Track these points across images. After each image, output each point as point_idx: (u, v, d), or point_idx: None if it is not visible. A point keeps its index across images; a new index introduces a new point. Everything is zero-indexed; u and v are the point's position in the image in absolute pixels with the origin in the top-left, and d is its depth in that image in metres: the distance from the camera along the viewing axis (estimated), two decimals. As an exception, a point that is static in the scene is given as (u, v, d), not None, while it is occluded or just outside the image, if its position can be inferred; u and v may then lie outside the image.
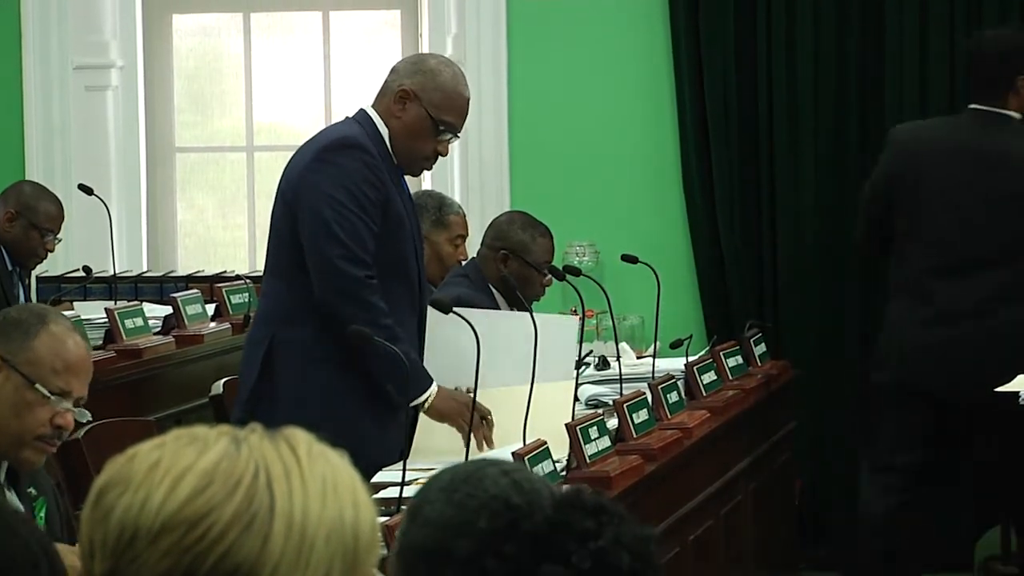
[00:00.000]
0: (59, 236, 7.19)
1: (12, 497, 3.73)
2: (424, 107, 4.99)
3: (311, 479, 1.73)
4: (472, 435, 4.83)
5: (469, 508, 2.08)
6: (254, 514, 1.70)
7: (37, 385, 3.68)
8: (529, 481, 2.11)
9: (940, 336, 6.40)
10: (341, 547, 1.73)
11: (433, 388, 4.93)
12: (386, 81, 5.10)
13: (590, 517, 2.01)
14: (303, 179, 5.01)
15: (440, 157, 5.11)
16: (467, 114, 5.11)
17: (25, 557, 2.14)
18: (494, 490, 2.08)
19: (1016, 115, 6.45)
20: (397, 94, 5.03)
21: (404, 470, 4.34)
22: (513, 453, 4.42)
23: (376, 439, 4.75)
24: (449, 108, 5.01)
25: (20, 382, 3.68)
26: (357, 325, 4.77)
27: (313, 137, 5.16)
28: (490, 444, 4.89)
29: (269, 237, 5.18)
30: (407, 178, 5.22)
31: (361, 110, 5.11)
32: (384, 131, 5.04)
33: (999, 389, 5.65)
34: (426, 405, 4.92)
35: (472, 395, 4.82)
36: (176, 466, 1.73)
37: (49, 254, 7.23)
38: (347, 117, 5.16)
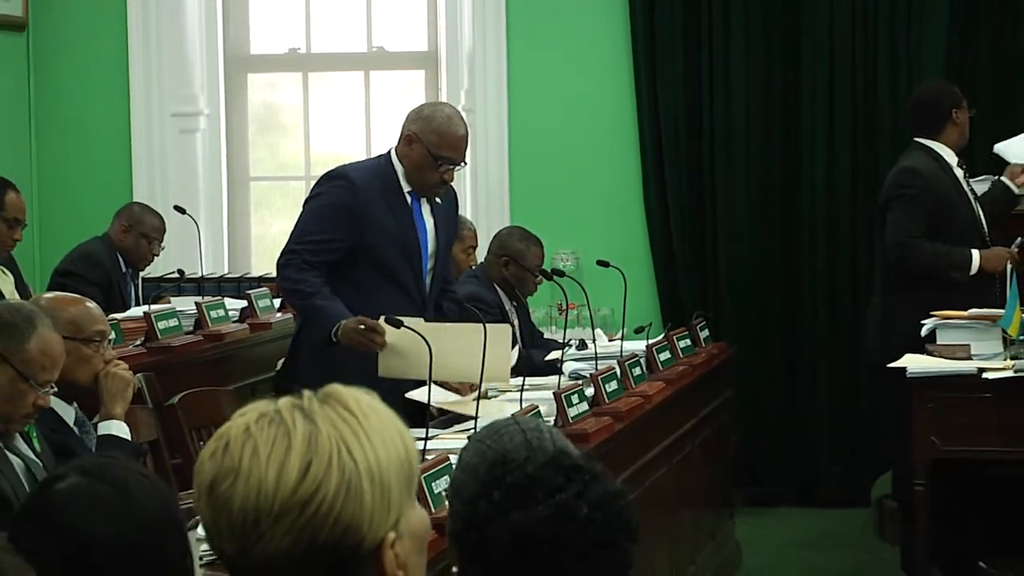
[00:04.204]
0: (163, 244, 7.20)
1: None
2: (425, 146, 4.96)
3: (373, 433, 1.66)
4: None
5: (485, 458, 2.06)
6: (349, 481, 1.62)
7: (30, 381, 3.60)
8: (539, 440, 2.09)
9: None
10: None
11: (339, 324, 4.85)
12: (401, 127, 5.10)
13: (563, 474, 1.98)
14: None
15: (448, 183, 5.07)
16: (464, 146, 5.03)
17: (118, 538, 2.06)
18: (509, 446, 2.07)
19: (928, 143, 6.29)
20: (405, 137, 5.02)
21: (427, 426, 4.31)
22: (513, 414, 4.41)
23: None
24: (444, 145, 4.97)
25: (14, 375, 3.58)
26: (283, 293, 5.21)
27: None
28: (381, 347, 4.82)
29: None
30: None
31: (389, 150, 5.12)
32: (399, 167, 5.05)
33: (891, 365, 5.64)
34: (336, 337, 4.87)
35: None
36: (275, 451, 1.62)
37: (155, 258, 7.23)
38: (379, 154, 5.20)
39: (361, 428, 1.65)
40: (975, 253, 6.09)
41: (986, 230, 6.28)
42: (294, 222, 5.15)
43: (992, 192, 6.46)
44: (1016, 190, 6.46)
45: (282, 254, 5.03)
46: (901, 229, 6.09)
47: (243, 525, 1.61)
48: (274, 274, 7.68)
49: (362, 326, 4.79)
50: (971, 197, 6.30)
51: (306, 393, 1.69)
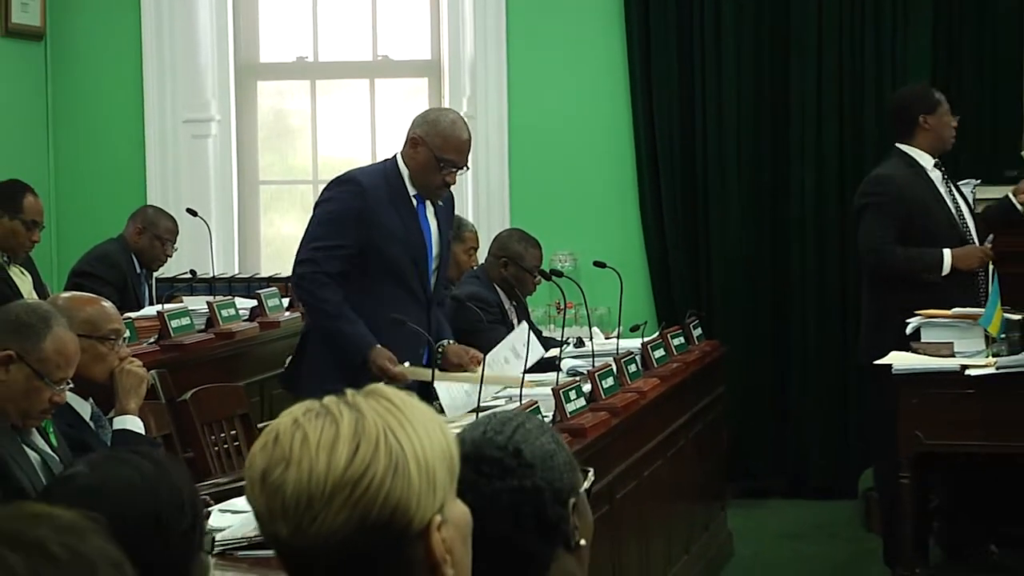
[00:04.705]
0: (176, 245, 7.20)
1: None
2: (430, 149, 4.97)
3: (416, 422, 1.66)
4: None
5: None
6: (396, 462, 1.61)
7: (45, 379, 3.62)
8: (495, 433, 2.10)
9: None
10: (448, 466, 1.67)
11: (369, 352, 4.88)
12: (407, 131, 5.10)
13: (470, 467, 1.98)
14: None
15: (450, 185, 5.07)
16: (467, 150, 5.03)
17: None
18: (468, 436, 2.10)
19: (904, 148, 6.25)
20: (411, 140, 5.02)
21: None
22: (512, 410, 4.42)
23: None
24: (448, 148, 4.97)
25: (30, 373, 3.61)
26: (305, 306, 5.13)
27: None
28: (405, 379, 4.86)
29: None
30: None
31: (395, 154, 5.12)
32: (404, 170, 5.04)
33: (877, 361, 5.64)
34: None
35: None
36: (324, 437, 1.63)
37: (168, 259, 7.23)
38: (386, 158, 5.19)
39: (405, 417, 1.66)
40: (947, 253, 6.05)
41: (971, 230, 6.21)
42: (303, 225, 5.15)
43: (999, 207, 6.40)
44: (1020, 207, 6.39)
45: (298, 263, 5.02)
46: (873, 235, 6.08)
47: (296, 508, 1.61)
48: (283, 274, 7.77)
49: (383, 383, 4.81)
50: (948, 199, 6.26)
51: (348, 391, 1.70)
